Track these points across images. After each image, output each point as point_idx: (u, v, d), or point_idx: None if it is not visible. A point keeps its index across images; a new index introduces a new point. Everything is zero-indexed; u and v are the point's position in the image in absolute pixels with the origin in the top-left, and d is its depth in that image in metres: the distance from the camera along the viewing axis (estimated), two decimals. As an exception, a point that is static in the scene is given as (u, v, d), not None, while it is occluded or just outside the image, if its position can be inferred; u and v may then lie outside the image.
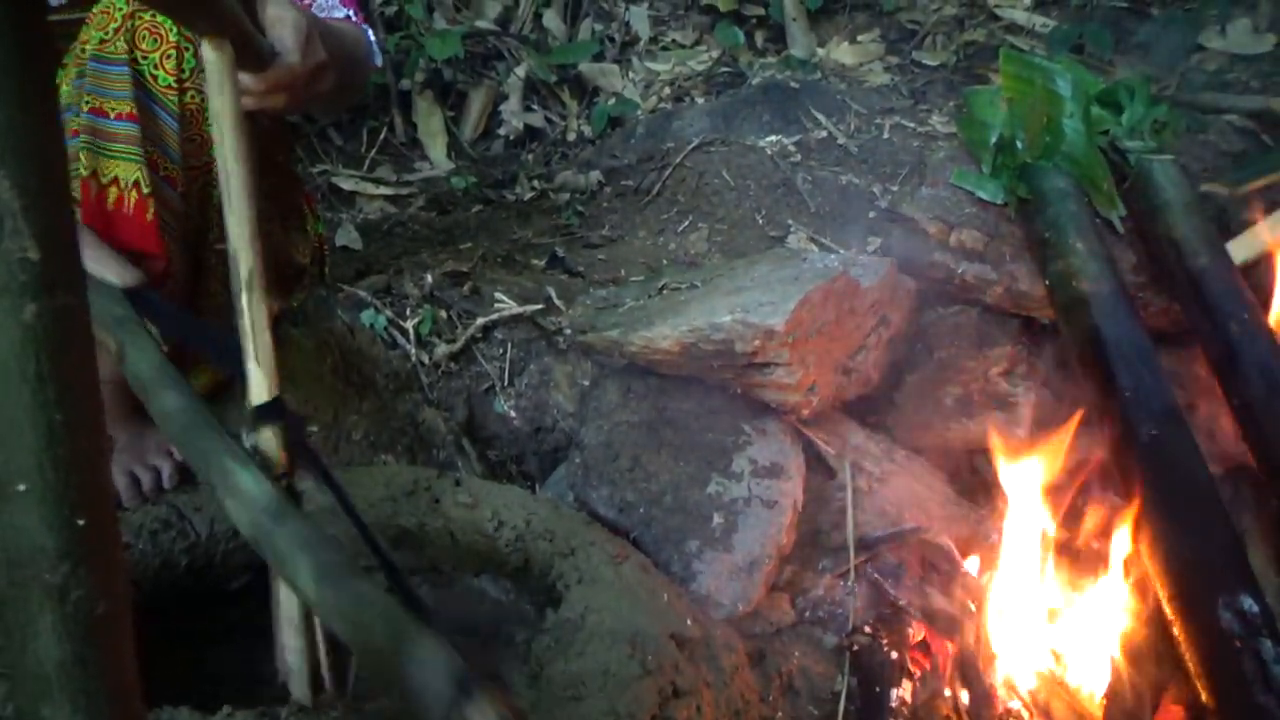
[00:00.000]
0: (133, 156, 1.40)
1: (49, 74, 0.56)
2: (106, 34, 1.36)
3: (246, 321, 1.03)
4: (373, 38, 1.67)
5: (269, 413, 1.05)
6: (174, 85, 1.40)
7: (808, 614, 1.53)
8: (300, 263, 1.83)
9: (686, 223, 2.48)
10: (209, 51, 1.04)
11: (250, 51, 1.20)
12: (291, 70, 1.31)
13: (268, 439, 1.04)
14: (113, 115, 1.39)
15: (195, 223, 1.48)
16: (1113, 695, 1.39)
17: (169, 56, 1.39)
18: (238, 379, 1.64)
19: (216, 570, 1.42)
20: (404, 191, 2.82)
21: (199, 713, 1.04)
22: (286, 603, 1.10)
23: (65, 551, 0.62)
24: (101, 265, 1.26)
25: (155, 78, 1.39)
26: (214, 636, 1.39)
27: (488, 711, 0.66)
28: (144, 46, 1.38)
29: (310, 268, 1.89)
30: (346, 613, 0.77)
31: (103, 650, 0.65)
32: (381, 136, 2.99)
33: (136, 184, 1.41)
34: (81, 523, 0.62)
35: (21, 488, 0.60)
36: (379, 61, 1.72)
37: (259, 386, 1.04)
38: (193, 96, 1.42)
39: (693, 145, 2.67)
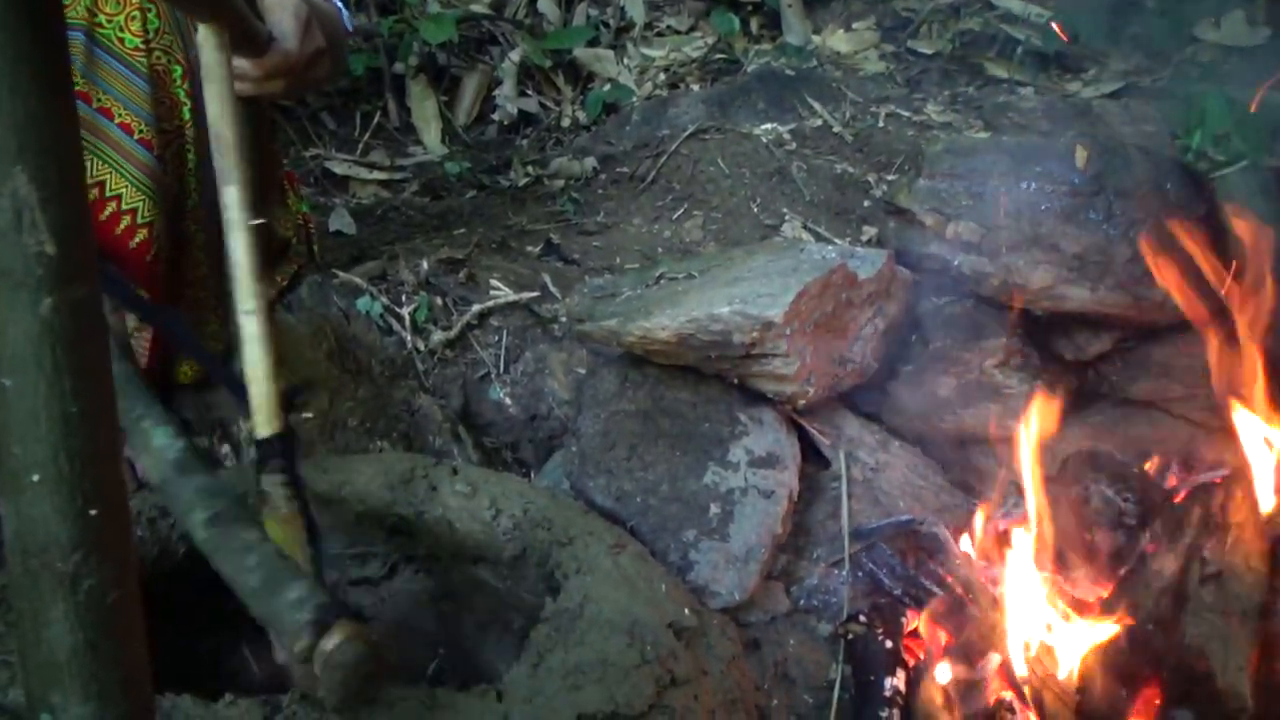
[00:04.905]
0: (148, 190, 1.39)
1: (66, 68, 0.56)
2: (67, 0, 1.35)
3: (249, 304, 1.03)
4: (340, 3, 1.66)
5: (273, 450, 1.06)
6: (141, 47, 1.38)
7: (803, 603, 1.54)
8: (283, 235, 1.83)
9: (681, 210, 2.48)
10: (204, 32, 1.03)
11: (248, 37, 1.20)
12: (289, 56, 1.31)
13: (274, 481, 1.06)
14: (136, 137, 1.38)
15: (174, 190, 1.47)
16: (1085, 688, 1.41)
17: (133, 18, 1.38)
18: (230, 363, 1.64)
19: (214, 557, 1.41)
20: (398, 176, 2.81)
21: (200, 701, 1.04)
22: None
23: (78, 541, 0.63)
24: None
25: (122, 40, 1.38)
26: (212, 624, 1.39)
27: (340, 640, 0.77)
28: (107, 10, 1.37)
29: (296, 245, 1.88)
30: (230, 556, 0.87)
31: (114, 639, 0.66)
32: (375, 121, 2.98)
33: (150, 225, 1.40)
34: (94, 513, 0.63)
35: (36, 478, 0.61)
36: (350, 28, 1.72)
37: (263, 413, 1.05)
38: (159, 57, 1.40)
39: (688, 132, 2.67)
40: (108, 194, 1.37)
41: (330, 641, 0.77)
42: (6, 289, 0.56)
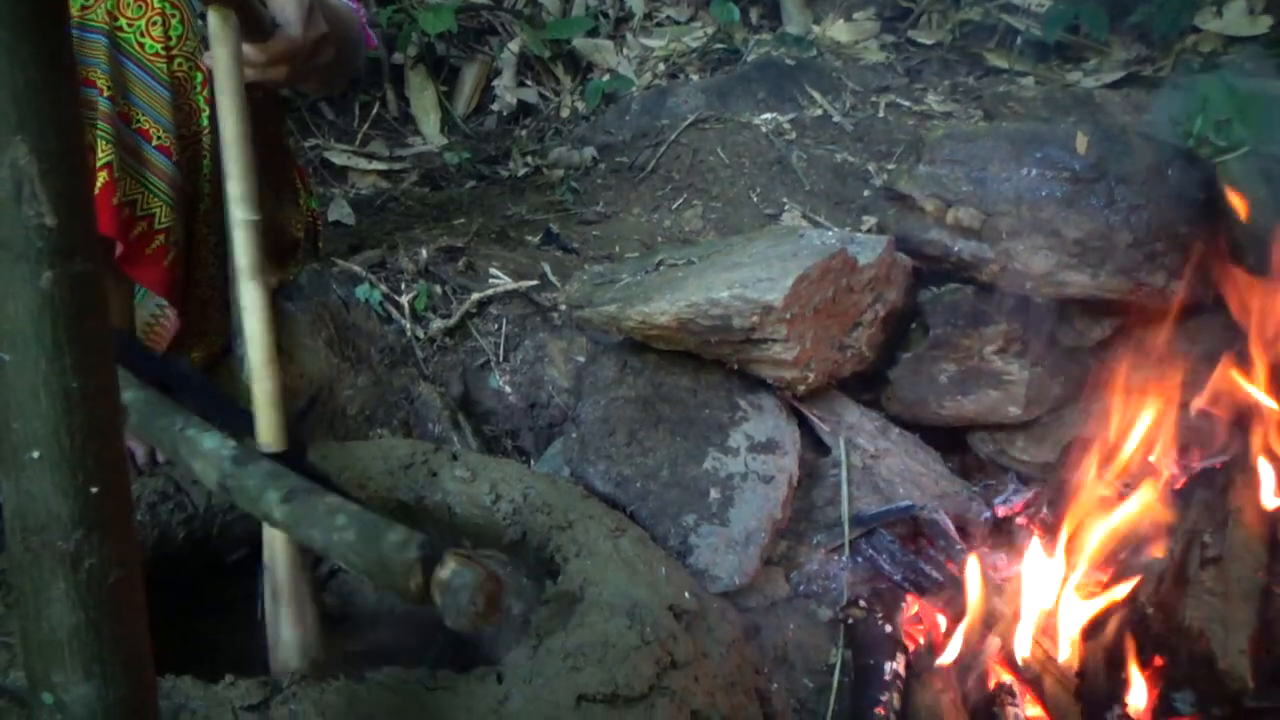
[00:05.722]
0: (171, 200, 1.39)
1: (66, 39, 0.56)
2: (87, 1, 1.34)
3: (247, 299, 1.03)
4: (364, 17, 1.66)
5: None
6: (162, 53, 1.38)
7: (802, 588, 1.54)
8: (294, 235, 1.83)
9: (681, 200, 2.48)
10: (213, 17, 1.03)
11: (253, 22, 1.20)
12: (293, 42, 1.31)
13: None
14: (154, 143, 1.37)
15: (187, 193, 1.47)
16: (1085, 671, 1.41)
17: (154, 23, 1.37)
18: (231, 353, 1.64)
19: (214, 543, 1.42)
20: (397, 167, 2.81)
21: (200, 682, 1.05)
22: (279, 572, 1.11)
23: (79, 519, 0.62)
24: None
25: (142, 45, 1.37)
26: (212, 609, 1.40)
27: (456, 568, 0.76)
28: (128, 14, 1.36)
29: (303, 242, 1.89)
30: (318, 522, 0.83)
31: (115, 618, 0.66)
32: (374, 111, 2.97)
33: (167, 231, 1.40)
34: (95, 490, 0.63)
35: (36, 454, 0.60)
36: (374, 43, 1.72)
37: (267, 427, 1.04)
38: (180, 64, 1.39)
39: (687, 122, 2.66)
40: (124, 199, 1.37)
41: (445, 570, 0.76)
42: (6, 261, 0.55)
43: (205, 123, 1.43)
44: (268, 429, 1.08)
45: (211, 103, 1.41)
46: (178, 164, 1.42)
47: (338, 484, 1.09)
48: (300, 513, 0.86)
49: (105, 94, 1.32)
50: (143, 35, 1.36)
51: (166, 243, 1.41)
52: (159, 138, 1.39)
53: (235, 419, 1.12)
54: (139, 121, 1.38)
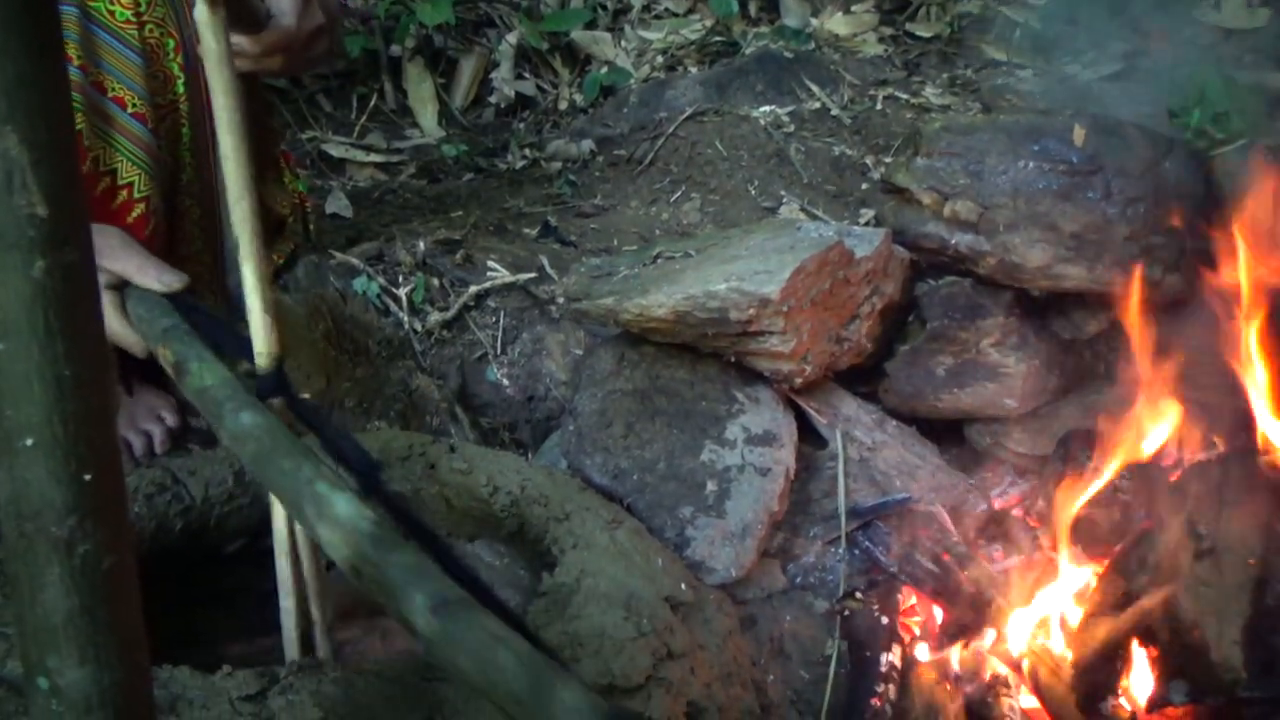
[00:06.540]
0: (144, 165, 1.39)
1: (56, 29, 0.56)
2: None
3: (248, 270, 1.02)
4: None
5: (273, 382, 1.04)
6: (133, 19, 1.38)
7: (799, 580, 1.54)
8: (279, 213, 1.83)
9: (679, 193, 2.48)
10: (200, 7, 1.03)
11: (247, 13, 1.20)
12: (288, 33, 1.31)
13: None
14: (129, 110, 1.38)
15: (169, 164, 1.47)
16: (1080, 662, 1.41)
17: None
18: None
19: (211, 534, 1.42)
20: (394, 159, 2.81)
21: (198, 672, 1.05)
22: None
23: (73, 505, 0.63)
24: (142, 271, 1.14)
25: (113, 13, 1.37)
26: (209, 600, 1.40)
27: None
28: None
29: (292, 223, 1.89)
30: (473, 652, 0.66)
31: (110, 603, 0.66)
32: (371, 103, 2.97)
33: (147, 199, 1.40)
34: (88, 477, 0.63)
35: (29, 442, 0.61)
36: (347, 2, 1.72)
37: (263, 345, 1.03)
38: (151, 30, 1.40)
39: (685, 115, 2.66)
40: (102, 168, 1.37)
41: None
42: (-1, 251, 0.56)
43: (181, 90, 1.44)
44: (262, 342, 1.05)
45: (186, 69, 1.42)
46: (154, 132, 1.42)
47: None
48: (453, 635, 0.68)
49: (75, 63, 1.33)
50: (113, 3, 1.37)
51: (146, 211, 1.41)
52: (134, 105, 1.39)
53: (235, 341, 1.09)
54: (114, 90, 1.38)
